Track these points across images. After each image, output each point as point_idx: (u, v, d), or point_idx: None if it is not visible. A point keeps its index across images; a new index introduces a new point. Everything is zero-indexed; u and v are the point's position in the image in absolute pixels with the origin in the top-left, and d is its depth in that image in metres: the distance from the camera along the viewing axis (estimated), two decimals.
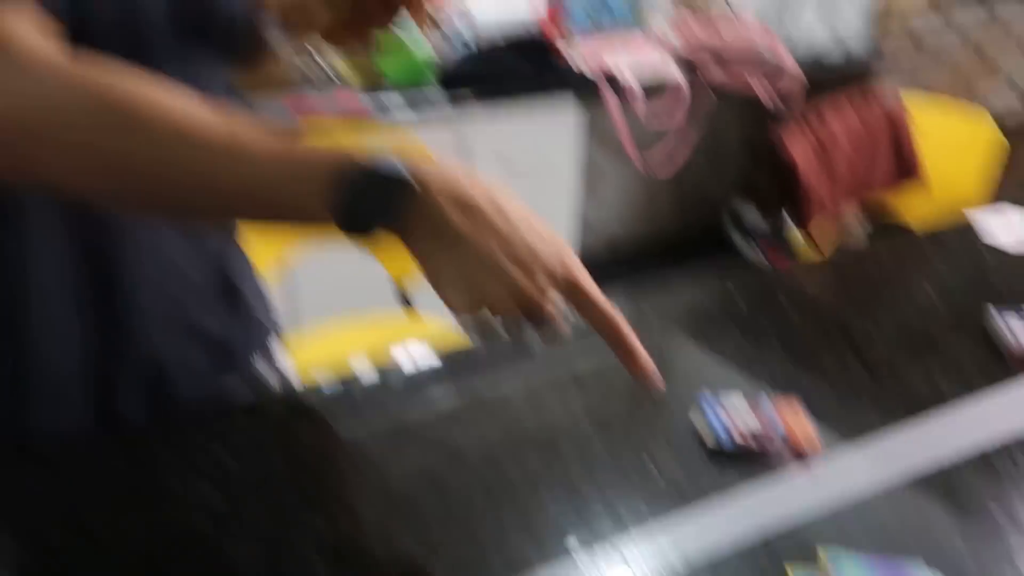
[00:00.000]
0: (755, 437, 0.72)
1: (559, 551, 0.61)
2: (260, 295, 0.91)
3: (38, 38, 0.56)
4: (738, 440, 0.72)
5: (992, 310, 0.95)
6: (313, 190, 0.55)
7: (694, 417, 0.76)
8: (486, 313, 0.56)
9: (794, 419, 0.75)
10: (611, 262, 3.33)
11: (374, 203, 0.55)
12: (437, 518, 0.64)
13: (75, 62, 0.56)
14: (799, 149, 1.86)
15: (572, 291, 0.57)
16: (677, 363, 0.89)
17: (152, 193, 0.58)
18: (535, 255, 0.56)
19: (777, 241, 3.09)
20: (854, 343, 0.93)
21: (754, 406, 0.76)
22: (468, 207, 0.55)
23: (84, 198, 0.59)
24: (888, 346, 0.93)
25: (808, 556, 0.60)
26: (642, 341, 0.59)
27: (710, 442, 0.73)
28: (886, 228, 2.31)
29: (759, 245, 3.25)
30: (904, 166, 1.95)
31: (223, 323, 0.83)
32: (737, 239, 3.37)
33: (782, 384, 0.84)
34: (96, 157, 0.55)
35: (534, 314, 0.57)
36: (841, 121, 1.89)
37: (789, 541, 0.62)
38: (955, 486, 0.69)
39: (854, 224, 2.30)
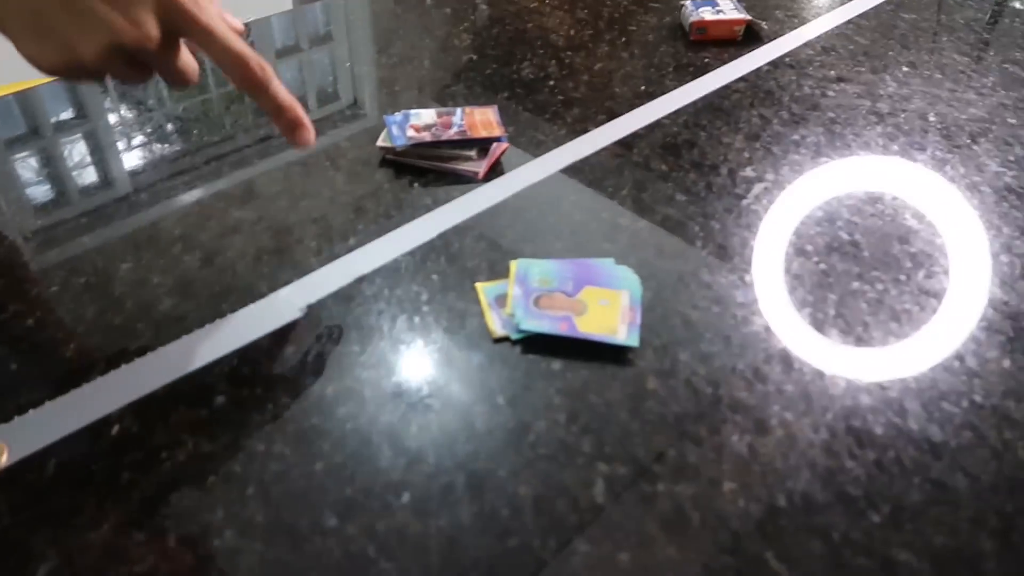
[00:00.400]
0: (429, 128, 0.67)
1: (222, 311, 0.53)
2: None
3: None
4: (410, 133, 0.67)
5: (688, 3, 0.93)
6: None
7: (382, 140, 0.69)
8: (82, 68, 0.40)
9: (481, 116, 0.70)
10: None
11: None
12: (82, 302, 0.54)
13: None
14: None
15: (182, 24, 0.42)
16: (376, 89, 0.80)
17: None
18: None
19: None
20: (555, 48, 0.88)
21: (444, 118, 0.70)
22: None
23: None
24: (588, 48, 0.89)
25: (500, 272, 0.57)
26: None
27: (383, 141, 0.67)
28: None
29: None
30: None
31: None
32: None
33: (480, 98, 0.78)
34: None
35: (142, 59, 0.42)
36: None
37: (482, 258, 0.58)
38: (638, 169, 0.68)
39: None
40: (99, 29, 0.39)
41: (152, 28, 0.40)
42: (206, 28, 0.42)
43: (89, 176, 0.66)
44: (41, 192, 0.64)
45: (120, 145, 0.70)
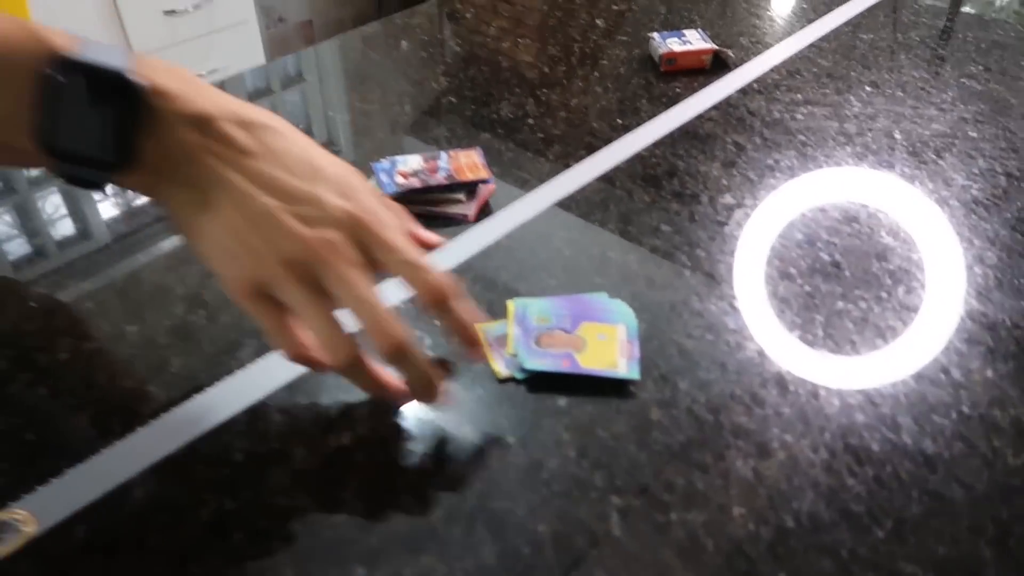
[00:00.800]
0: (417, 174, 0.69)
1: (231, 367, 0.54)
2: None
3: None
4: (399, 180, 0.68)
5: (656, 36, 0.96)
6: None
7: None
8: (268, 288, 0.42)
9: (469, 165, 0.71)
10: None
11: (92, 125, 0.38)
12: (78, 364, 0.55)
13: None
14: None
15: (364, 236, 0.43)
16: (354, 135, 0.82)
17: None
18: (316, 198, 0.42)
19: None
20: (531, 86, 0.91)
21: (429, 162, 0.72)
22: (222, 134, 0.41)
23: None
24: (562, 85, 0.92)
25: (498, 313, 0.58)
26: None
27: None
28: None
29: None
30: None
31: None
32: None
33: (462, 139, 0.80)
34: None
35: (331, 287, 0.42)
36: None
37: (479, 299, 0.60)
38: (626, 203, 0.70)
39: None
40: (281, 238, 0.41)
41: (332, 235, 0.42)
42: (390, 243, 0.43)
43: (85, 239, 0.67)
44: (41, 257, 0.64)
45: (117, 201, 0.71)
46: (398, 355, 0.43)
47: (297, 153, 0.43)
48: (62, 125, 0.38)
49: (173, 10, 2.07)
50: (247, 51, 2.34)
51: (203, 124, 0.41)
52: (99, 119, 0.38)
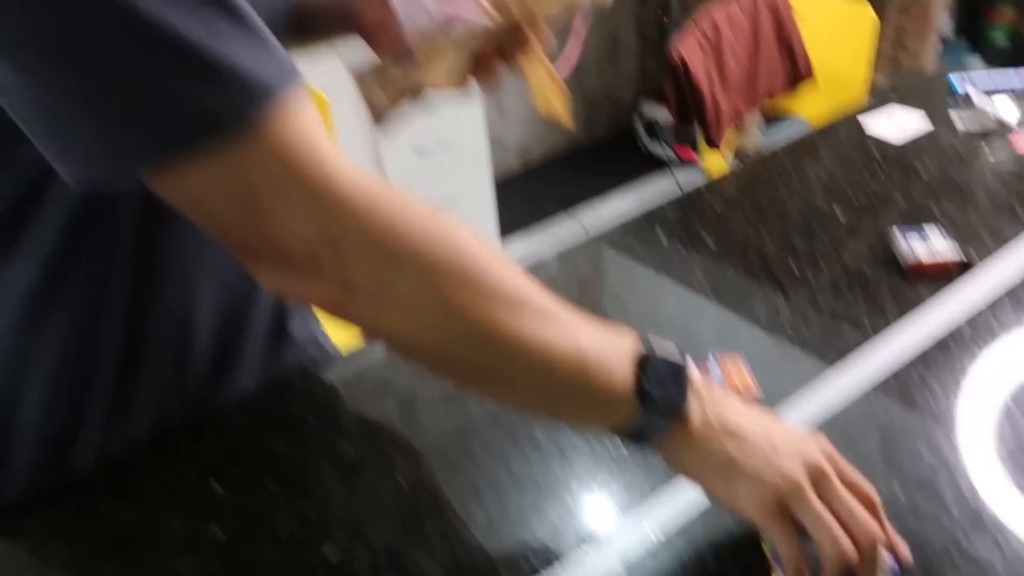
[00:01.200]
0: None
1: (561, 556, 0.66)
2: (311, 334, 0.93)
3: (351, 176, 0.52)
4: None
5: (897, 231, 1.03)
6: (617, 376, 0.56)
7: None
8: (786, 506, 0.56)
9: (736, 373, 0.81)
10: (525, 174, 3.34)
11: (668, 398, 0.57)
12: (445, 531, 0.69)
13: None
14: (692, 55, 1.88)
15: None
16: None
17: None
18: (799, 436, 0.60)
19: (684, 139, 3.15)
20: (780, 284, 1.00)
21: (700, 366, 0.82)
22: (725, 395, 0.61)
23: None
24: (809, 283, 1.00)
25: None
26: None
27: None
28: (780, 123, 2.41)
29: (668, 145, 3.30)
30: (796, 70, 2.00)
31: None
32: (647, 141, 3.39)
33: (723, 340, 0.91)
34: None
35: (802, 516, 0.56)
36: (730, 25, 1.92)
37: None
38: (885, 425, 0.77)
39: (753, 128, 2.37)
40: (797, 464, 0.57)
41: (824, 460, 0.58)
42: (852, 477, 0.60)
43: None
44: (391, 448, 0.80)
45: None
46: (871, 552, 0.56)
47: (765, 414, 0.62)
48: (652, 388, 0.56)
49: (423, 150, 2.35)
50: (475, 181, 2.58)
51: (711, 389, 0.60)
52: (670, 387, 0.57)
